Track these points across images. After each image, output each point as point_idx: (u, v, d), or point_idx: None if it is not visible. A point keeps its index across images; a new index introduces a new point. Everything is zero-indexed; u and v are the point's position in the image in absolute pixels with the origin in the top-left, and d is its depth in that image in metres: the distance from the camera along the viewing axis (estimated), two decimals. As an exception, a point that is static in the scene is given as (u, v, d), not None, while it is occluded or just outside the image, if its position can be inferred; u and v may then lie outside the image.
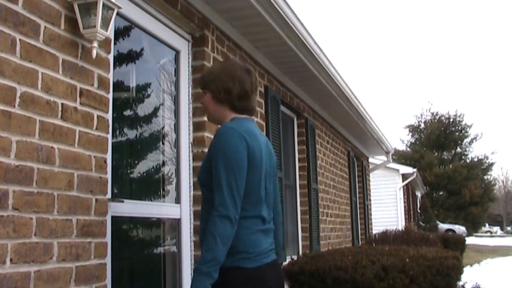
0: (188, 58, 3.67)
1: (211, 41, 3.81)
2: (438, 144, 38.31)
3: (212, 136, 3.65)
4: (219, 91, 2.10)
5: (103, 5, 2.21)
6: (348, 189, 8.65)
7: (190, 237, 3.43)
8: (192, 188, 3.51)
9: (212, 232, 1.84)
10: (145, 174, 3.40)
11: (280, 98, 5.34)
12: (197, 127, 3.60)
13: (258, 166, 2.01)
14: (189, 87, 3.64)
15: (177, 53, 3.61)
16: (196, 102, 3.62)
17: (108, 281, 2.48)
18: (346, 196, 8.40)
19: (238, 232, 1.90)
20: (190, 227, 3.44)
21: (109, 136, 2.56)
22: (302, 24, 4.46)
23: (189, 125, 3.57)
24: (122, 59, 3.13)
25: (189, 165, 3.53)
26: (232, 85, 2.08)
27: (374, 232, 10.14)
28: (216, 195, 1.90)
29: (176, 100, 3.57)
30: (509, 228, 59.18)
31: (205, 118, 3.65)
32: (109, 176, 2.52)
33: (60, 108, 2.16)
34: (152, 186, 3.46)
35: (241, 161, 1.93)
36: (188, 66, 3.66)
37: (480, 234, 44.72)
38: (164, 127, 3.54)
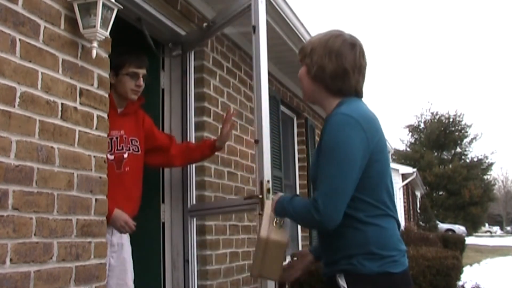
0: (188, 58, 3.66)
1: (211, 41, 3.80)
2: (438, 144, 38.32)
3: (212, 137, 3.67)
4: (313, 66, 1.84)
5: (103, 5, 2.20)
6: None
7: (190, 237, 3.42)
8: (194, 188, 3.49)
9: (298, 213, 1.82)
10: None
11: (280, 98, 5.34)
12: (198, 127, 3.60)
13: (382, 156, 1.77)
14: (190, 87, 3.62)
15: (177, 53, 3.61)
16: (197, 102, 3.61)
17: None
18: (346, 196, 8.38)
19: (379, 234, 1.73)
20: (191, 227, 3.44)
21: (109, 136, 2.56)
22: (302, 24, 4.46)
23: (190, 125, 3.55)
24: (122, 59, 3.13)
25: (189, 165, 3.52)
26: (327, 61, 1.80)
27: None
28: (319, 187, 1.72)
29: (176, 100, 3.57)
30: (508, 228, 59.17)
31: (205, 118, 3.65)
32: (109, 176, 2.52)
33: (60, 108, 2.16)
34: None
35: (351, 155, 1.68)
36: (188, 66, 3.65)
37: (480, 234, 44.74)
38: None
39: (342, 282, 1.73)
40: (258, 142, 2.74)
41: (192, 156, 3.18)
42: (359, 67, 1.84)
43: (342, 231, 1.74)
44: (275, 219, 2.01)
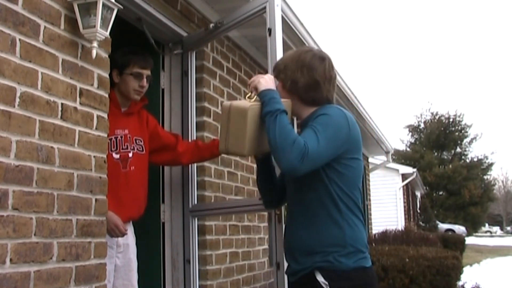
0: (188, 58, 3.66)
1: (211, 41, 3.80)
2: (438, 144, 38.29)
3: (212, 136, 3.66)
4: (287, 81, 1.99)
5: (103, 5, 2.20)
6: (348, 189, 8.61)
7: (192, 237, 3.42)
8: (196, 188, 3.49)
9: (282, 129, 1.77)
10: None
11: (280, 98, 5.32)
12: (198, 127, 3.60)
13: (359, 157, 1.93)
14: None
15: (177, 53, 3.60)
16: (197, 102, 3.60)
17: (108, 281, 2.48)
18: (346, 196, 8.37)
19: (354, 232, 1.87)
20: (192, 227, 3.43)
21: (109, 136, 2.55)
22: (302, 24, 4.45)
23: (190, 125, 3.55)
24: (122, 59, 3.12)
25: (191, 165, 3.51)
26: (299, 75, 1.96)
27: (374, 232, 10.14)
28: (306, 138, 1.77)
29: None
30: (509, 228, 59.15)
31: (205, 118, 3.65)
32: (109, 176, 2.52)
33: (60, 108, 2.16)
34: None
35: (339, 139, 1.83)
36: (188, 66, 3.65)
37: (480, 234, 44.75)
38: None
39: (320, 278, 1.82)
40: None
41: (201, 154, 3.15)
42: (329, 78, 2.00)
43: (321, 224, 1.87)
44: (249, 94, 1.94)
